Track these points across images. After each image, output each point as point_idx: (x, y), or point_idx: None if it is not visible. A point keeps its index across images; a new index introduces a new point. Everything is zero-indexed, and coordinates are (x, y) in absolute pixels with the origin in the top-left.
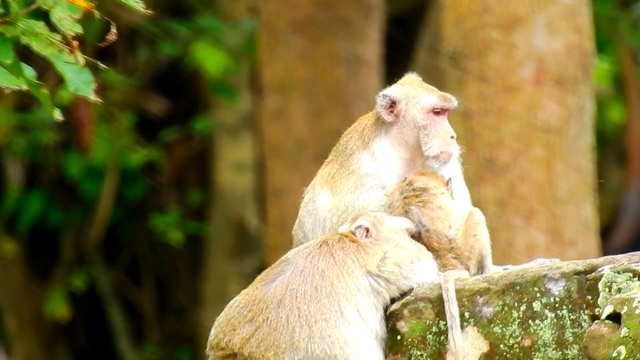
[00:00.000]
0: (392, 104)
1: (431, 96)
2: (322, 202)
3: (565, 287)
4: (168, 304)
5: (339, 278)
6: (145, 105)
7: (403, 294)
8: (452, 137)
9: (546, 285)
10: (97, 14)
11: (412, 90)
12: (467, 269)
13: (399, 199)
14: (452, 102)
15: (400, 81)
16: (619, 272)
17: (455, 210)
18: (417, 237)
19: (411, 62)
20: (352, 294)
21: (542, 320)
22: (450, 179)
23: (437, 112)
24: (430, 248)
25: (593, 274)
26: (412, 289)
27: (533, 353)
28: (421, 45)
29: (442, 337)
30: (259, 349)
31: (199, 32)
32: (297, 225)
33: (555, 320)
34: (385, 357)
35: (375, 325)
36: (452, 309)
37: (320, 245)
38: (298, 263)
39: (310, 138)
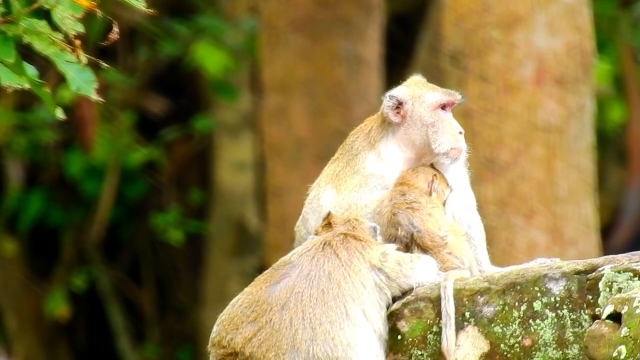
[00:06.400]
0: (399, 105)
1: (435, 93)
2: (326, 199)
3: (566, 287)
4: (168, 304)
5: (346, 279)
6: (146, 104)
7: (404, 294)
8: (460, 132)
9: (547, 285)
10: (99, 12)
11: (417, 90)
12: (463, 262)
13: (388, 204)
14: (456, 96)
15: (405, 82)
16: (619, 272)
17: (444, 219)
18: (409, 239)
19: (412, 61)
20: (358, 293)
21: (542, 320)
22: (432, 181)
23: (443, 108)
24: (424, 247)
25: (593, 273)
26: (413, 288)
27: (533, 353)
28: (422, 45)
29: None
30: (260, 349)
31: (199, 32)
32: (300, 222)
33: (555, 319)
34: (386, 357)
35: (379, 325)
36: (448, 307)
37: (324, 248)
38: (304, 266)
39: (310, 137)
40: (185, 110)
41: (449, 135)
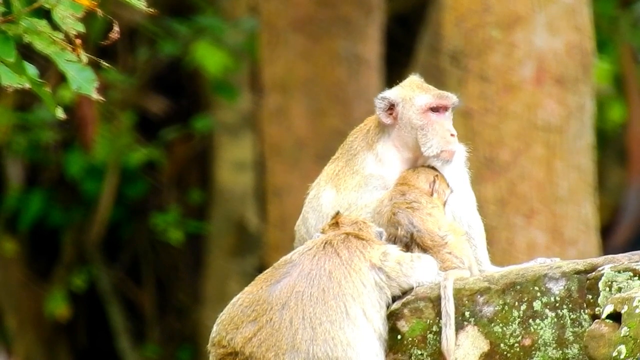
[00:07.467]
0: (391, 107)
1: (426, 95)
2: (326, 198)
3: (566, 287)
4: (169, 303)
5: (347, 278)
6: (146, 104)
7: (404, 293)
8: (452, 135)
9: (546, 285)
10: (99, 12)
11: (409, 92)
12: (463, 262)
13: (388, 204)
14: (449, 99)
15: (402, 83)
16: (619, 272)
17: (444, 219)
18: (409, 238)
19: (412, 61)
20: (358, 293)
21: (542, 320)
22: (433, 182)
23: (435, 111)
24: (424, 247)
25: (593, 273)
26: (413, 287)
27: (533, 352)
28: (422, 45)
29: None
30: (260, 349)
31: (200, 32)
32: (301, 221)
33: (555, 319)
34: (386, 357)
35: (379, 325)
36: (448, 306)
37: (325, 247)
38: (304, 265)
39: (310, 137)
40: (185, 110)
41: (439, 138)
